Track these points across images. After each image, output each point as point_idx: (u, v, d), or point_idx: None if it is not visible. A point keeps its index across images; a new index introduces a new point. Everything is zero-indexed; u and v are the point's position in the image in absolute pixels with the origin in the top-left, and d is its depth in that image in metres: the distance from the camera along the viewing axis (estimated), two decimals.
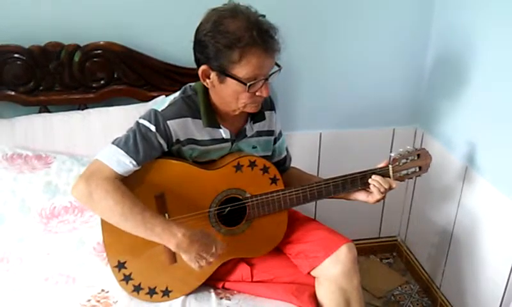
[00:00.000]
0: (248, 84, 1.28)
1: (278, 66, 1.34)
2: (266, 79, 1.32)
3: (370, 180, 1.46)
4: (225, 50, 1.25)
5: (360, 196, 1.50)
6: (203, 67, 1.32)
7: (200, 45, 1.30)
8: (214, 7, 1.31)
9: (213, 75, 1.31)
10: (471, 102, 1.83)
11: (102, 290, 1.46)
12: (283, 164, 1.63)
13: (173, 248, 1.27)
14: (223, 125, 1.42)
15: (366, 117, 2.13)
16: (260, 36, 1.25)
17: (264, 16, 1.30)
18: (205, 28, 1.28)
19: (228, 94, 1.33)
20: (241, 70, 1.28)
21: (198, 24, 1.32)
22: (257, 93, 1.32)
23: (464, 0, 1.83)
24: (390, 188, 1.46)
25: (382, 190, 1.45)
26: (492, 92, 1.71)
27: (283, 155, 1.63)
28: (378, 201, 1.47)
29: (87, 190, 1.24)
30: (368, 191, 1.49)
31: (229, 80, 1.30)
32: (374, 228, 2.39)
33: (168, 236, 1.26)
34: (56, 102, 1.73)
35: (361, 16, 1.96)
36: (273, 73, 1.34)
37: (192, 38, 1.33)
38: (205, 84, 1.36)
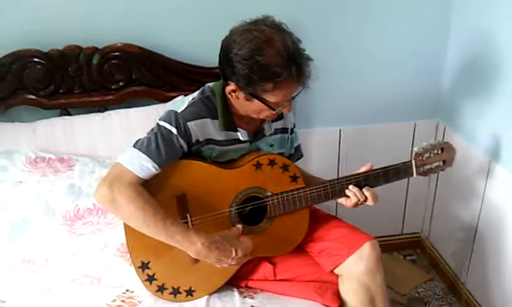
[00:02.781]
0: (277, 109, 1.32)
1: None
2: (291, 99, 1.34)
3: (347, 191, 1.43)
4: (260, 81, 1.26)
5: (340, 198, 1.47)
6: (231, 86, 1.32)
7: (231, 65, 1.28)
8: (247, 22, 1.29)
9: (241, 93, 1.31)
10: (492, 94, 1.79)
11: (127, 291, 1.48)
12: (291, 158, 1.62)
13: (192, 255, 1.28)
14: (240, 126, 1.42)
15: (386, 112, 2.11)
16: (297, 72, 1.27)
17: (300, 41, 1.29)
18: (239, 53, 1.25)
19: (251, 110, 1.36)
20: (272, 97, 1.30)
21: (228, 34, 1.30)
22: (280, 110, 1.35)
23: None
24: (365, 201, 1.43)
25: (360, 202, 1.43)
26: None
27: (292, 151, 1.63)
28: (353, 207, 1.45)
29: (110, 196, 1.25)
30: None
31: (256, 101, 1.31)
32: (397, 224, 2.36)
33: (187, 244, 1.26)
34: (76, 105, 1.74)
35: (379, 11, 1.93)
36: (298, 93, 1.35)
37: (220, 49, 1.32)
38: (229, 96, 1.36)
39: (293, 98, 1.35)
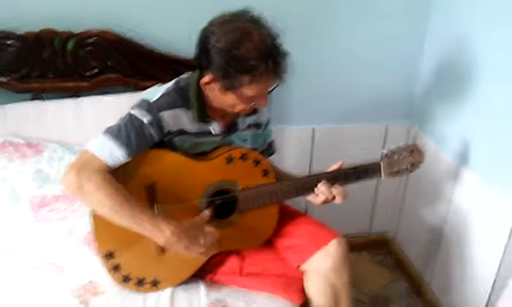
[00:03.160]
0: (252, 103, 1.32)
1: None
2: (267, 93, 1.35)
3: (315, 188, 1.44)
4: (237, 74, 1.26)
5: (309, 195, 1.49)
6: (207, 77, 1.31)
7: (207, 56, 1.28)
8: (226, 15, 1.28)
9: (216, 85, 1.31)
10: (463, 100, 1.83)
11: (91, 280, 1.45)
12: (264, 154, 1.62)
13: (161, 244, 1.27)
14: (214, 119, 1.42)
15: (360, 112, 2.13)
16: (274, 66, 1.27)
17: (278, 36, 1.30)
18: (217, 45, 1.25)
19: (226, 103, 1.35)
20: (248, 91, 1.30)
21: (207, 25, 1.29)
22: (256, 104, 1.35)
23: None
24: (333, 199, 1.45)
25: (328, 200, 1.45)
26: (486, 91, 1.71)
27: (265, 146, 1.63)
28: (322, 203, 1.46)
29: (77, 182, 1.23)
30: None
31: (232, 94, 1.31)
32: (365, 223, 2.39)
33: (156, 233, 1.25)
34: (49, 90, 1.71)
35: (357, 12, 1.95)
36: (274, 87, 1.36)
37: (198, 39, 1.31)
38: (204, 87, 1.36)
39: (269, 92, 1.36)
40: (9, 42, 1.62)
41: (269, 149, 1.65)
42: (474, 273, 1.79)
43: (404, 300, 2.16)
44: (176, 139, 1.38)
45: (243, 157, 1.42)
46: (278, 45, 1.30)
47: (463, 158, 1.83)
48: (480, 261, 1.76)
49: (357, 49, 2.01)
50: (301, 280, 1.47)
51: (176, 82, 1.42)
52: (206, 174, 1.40)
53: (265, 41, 1.26)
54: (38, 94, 1.72)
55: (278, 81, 1.33)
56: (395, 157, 1.50)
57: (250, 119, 1.51)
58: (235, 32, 1.25)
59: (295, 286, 1.45)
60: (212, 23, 1.29)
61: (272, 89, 1.36)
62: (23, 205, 1.45)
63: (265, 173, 1.45)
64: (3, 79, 1.66)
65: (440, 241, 1.99)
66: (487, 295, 1.71)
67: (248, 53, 1.24)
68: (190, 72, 1.44)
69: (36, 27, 1.63)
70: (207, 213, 1.36)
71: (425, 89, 2.10)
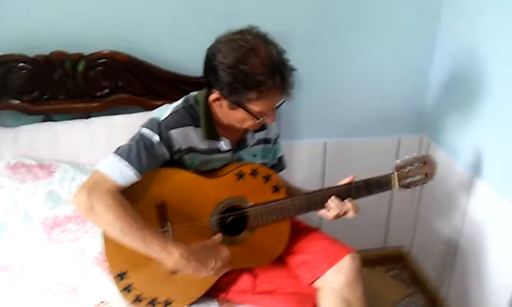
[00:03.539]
0: (260, 119, 1.32)
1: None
2: (275, 108, 1.34)
3: (327, 203, 1.43)
4: (244, 90, 1.26)
5: (321, 210, 1.46)
6: (215, 94, 1.32)
7: (215, 73, 1.28)
8: (232, 32, 1.29)
9: (224, 102, 1.32)
10: (476, 110, 1.80)
11: (103, 301, 1.45)
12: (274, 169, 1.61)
13: (170, 266, 1.26)
14: (223, 135, 1.42)
15: (371, 126, 2.12)
16: (281, 82, 1.27)
17: (284, 51, 1.30)
18: (223, 61, 1.25)
19: (235, 119, 1.35)
20: (256, 107, 1.30)
21: (214, 43, 1.30)
22: (263, 119, 1.35)
23: (470, 10, 1.81)
24: (346, 213, 1.43)
25: (340, 214, 1.43)
26: (497, 100, 1.69)
27: (275, 161, 1.63)
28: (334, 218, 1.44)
29: (88, 203, 1.23)
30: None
31: (240, 110, 1.31)
32: (380, 238, 2.36)
33: (165, 255, 1.25)
34: (60, 111, 1.73)
35: (367, 25, 1.95)
36: (282, 103, 1.35)
37: (205, 57, 1.32)
38: (212, 104, 1.36)
39: (277, 107, 1.36)
40: (20, 65, 1.64)
41: (279, 165, 1.64)
42: (492, 285, 1.75)
43: None
44: (186, 157, 1.38)
45: (253, 173, 1.41)
46: (285, 60, 1.30)
47: (476, 169, 1.80)
48: (498, 272, 1.72)
49: (367, 62, 2.01)
50: (315, 297, 1.44)
51: (185, 100, 1.43)
52: (216, 191, 1.39)
53: (272, 57, 1.26)
54: (49, 116, 1.74)
55: (286, 97, 1.33)
56: (408, 168, 1.49)
57: (259, 135, 1.51)
58: (241, 49, 1.25)
59: (309, 303, 1.42)
60: (218, 41, 1.30)
61: (279, 105, 1.36)
62: (35, 226, 1.45)
63: (276, 189, 1.44)
64: (15, 102, 1.68)
65: (456, 253, 1.96)
66: None
67: (255, 68, 1.24)
68: (198, 91, 1.45)
69: (46, 50, 1.66)
70: (219, 235, 1.35)
71: (436, 100, 2.08)
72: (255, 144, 1.50)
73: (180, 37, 1.80)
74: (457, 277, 1.97)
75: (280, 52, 1.29)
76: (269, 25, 1.33)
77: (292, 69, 1.31)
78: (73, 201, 1.27)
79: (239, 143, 1.47)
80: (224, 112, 1.35)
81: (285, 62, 1.29)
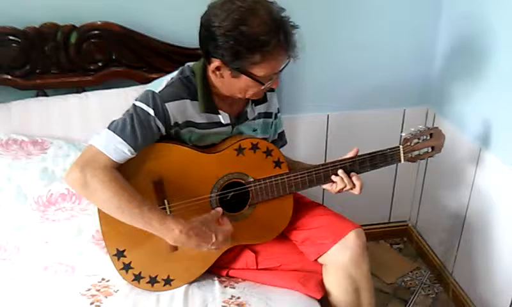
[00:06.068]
0: (266, 84, 1.26)
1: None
2: (279, 71, 1.28)
3: (333, 177, 1.38)
4: (247, 53, 1.19)
5: (325, 185, 1.42)
6: (216, 63, 1.24)
7: (214, 40, 1.20)
8: None
9: (226, 70, 1.25)
10: (482, 81, 1.75)
11: (103, 279, 1.42)
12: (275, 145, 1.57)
13: (170, 242, 1.22)
14: (222, 108, 1.36)
15: (375, 98, 2.06)
16: (285, 39, 1.21)
17: (283, 10, 1.23)
18: (222, 25, 1.18)
19: (238, 88, 1.29)
20: (260, 70, 1.23)
21: (207, 9, 1.23)
22: (268, 84, 1.29)
23: None
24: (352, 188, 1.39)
25: (346, 188, 1.38)
26: (504, 70, 1.63)
27: (276, 136, 1.58)
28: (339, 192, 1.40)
29: (82, 179, 1.19)
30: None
31: (244, 77, 1.24)
32: (384, 212, 2.33)
33: (164, 231, 1.21)
34: (53, 86, 1.67)
35: None
36: (285, 66, 1.29)
37: (200, 26, 1.25)
38: (212, 75, 1.29)
39: (280, 71, 1.29)
40: (11, 38, 1.58)
41: (279, 140, 1.59)
42: (499, 260, 1.72)
43: (427, 289, 2.10)
44: (183, 132, 1.33)
45: (253, 148, 1.36)
46: (286, 17, 1.23)
47: (484, 141, 1.75)
48: (505, 247, 1.69)
49: (371, 32, 1.94)
50: (320, 273, 1.42)
51: (181, 72, 1.37)
52: (216, 167, 1.35)
53: (273, 15, 1.20)
54: (42, 91, 1.68)
55: (290, 56, 1.26)
56: (415, 140, 1.45)
57: (260, 108, 1.46)
58: (239, 9, 1.18)
59: (313, 280, 1.39)
60: (213, 6, 1.22)
61: (283, 68, 1.29)
62: (29, 204, 1.41)
63: (278, 164, 1.39)
64: (6, 76, 1.63)
65: (462, 227, 1.92)
66: None
67: (256, 29, 1.17)
68: (194, 62, 1.38)
69: (37, 22, 1.60)
70: (219, 209, 1.31)
71: (442, 71, 2.02)
72: (255, 118, 1.45)
73: (176, 7, 1.73)
74: (463, 251, 1.94)
75: (279, 10, 1.22)
76: None
77: (295, 26, 1.24)
78: (67, 178, 1.23)
79: (239, 117, 1.41)
80: (226, 81, 1.29)
81: (286, 20, 1.23)
